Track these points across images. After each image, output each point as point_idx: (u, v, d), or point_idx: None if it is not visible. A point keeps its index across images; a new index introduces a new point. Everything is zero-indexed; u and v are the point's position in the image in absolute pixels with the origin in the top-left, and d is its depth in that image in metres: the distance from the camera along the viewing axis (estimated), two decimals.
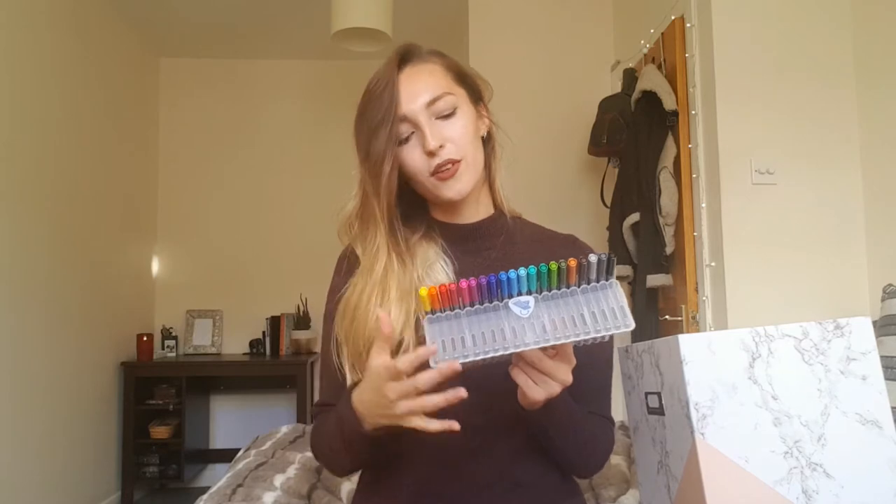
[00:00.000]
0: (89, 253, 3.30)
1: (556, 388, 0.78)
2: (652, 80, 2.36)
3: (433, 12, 3.43)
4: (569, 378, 0.79)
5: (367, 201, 0.97)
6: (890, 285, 1.81)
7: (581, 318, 0.70)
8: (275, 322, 4.06)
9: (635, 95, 2.46)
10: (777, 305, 2.06)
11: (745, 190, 2.09)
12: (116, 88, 3.65)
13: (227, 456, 3.38)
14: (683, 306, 2.28)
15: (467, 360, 0.69)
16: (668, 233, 2.28)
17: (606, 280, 0.72)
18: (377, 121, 0.94)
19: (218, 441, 4.09)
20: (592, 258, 0.71)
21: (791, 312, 2.04)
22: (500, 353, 0.69)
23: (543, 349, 0.76)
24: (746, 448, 0.80)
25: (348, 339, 0.95)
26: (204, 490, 1.48)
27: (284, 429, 1.99)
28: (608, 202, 2.71)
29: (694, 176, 2.24)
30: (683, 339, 0.82)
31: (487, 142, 1.03)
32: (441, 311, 0.72)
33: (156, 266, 4.14)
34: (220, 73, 4.25)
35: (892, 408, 0.83)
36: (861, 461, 0.80)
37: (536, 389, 0.78)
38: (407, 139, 0.95)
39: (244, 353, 4.07)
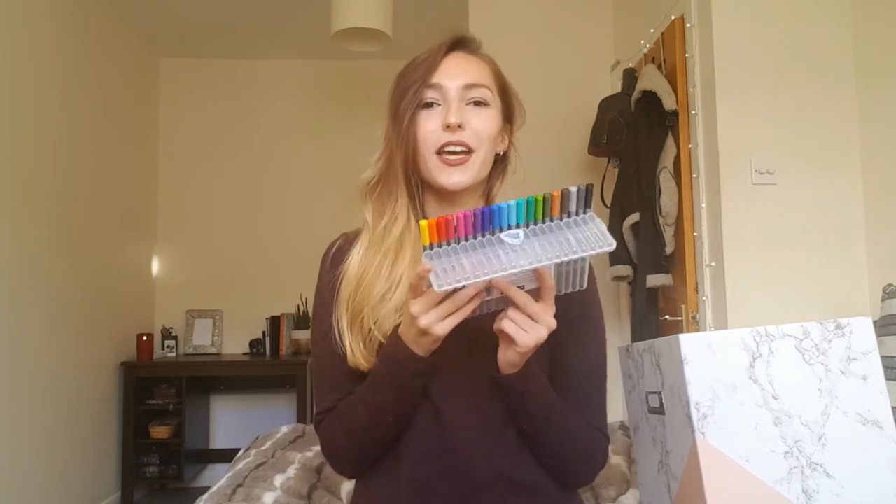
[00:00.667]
0: (89, 253, 3.30)
1: (542, 332, 0.81)
2: (652, 80, 2.36)
3: (433, 12, 3.43)
4: (553, 322, 0.81)
5: (392, 162, 0.98)
6: (890, 285, 1.81)
7: (568, 242, 0.76)
8: (275, 322, 4.06)
9: (635, 95, 2.46)
10: (777, 305, 2.06)
11: (745, 190, 2.09)
12: (116, 88, 3.64)
13: (227, 456, 3.37)
14: (683, 306, 2.28)
15: (468, 282, 0.74)
16: (668, 233, 2.28)
17: (585, 213, 0.79)
18: (410, 82, 0.97)
19: (218, 441, 4.09)
20: (573, 189, 0.78)
21: (791, 312, 2.04)
22: (499, 274, 0.74)
23: (531, 294, 0.81)
24: (747, 448, 0.80)
25: (354, 306, 0.93)
26: (204, 490, 1.48)
27: (284, 429, 1.99)
28: (608, 202, 2.71)
29: (694, 176, 2.24)
30: (684, 338, 0.82)
31: (500, 161, 1.03)
32: (439, 246, 0.77)
33: (156, 266, 4.14)
34: (220, 73, 4.25)
35: (893, 408, 0.83)
36: (861, 461, 0.80)
37: (526, 335, 0.81)
38: (430, 104, 0.96)
39: (244, 353, 4.07)
